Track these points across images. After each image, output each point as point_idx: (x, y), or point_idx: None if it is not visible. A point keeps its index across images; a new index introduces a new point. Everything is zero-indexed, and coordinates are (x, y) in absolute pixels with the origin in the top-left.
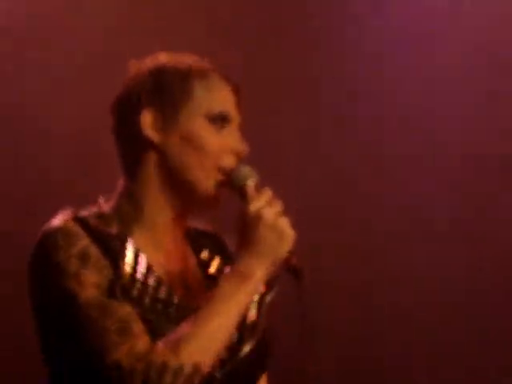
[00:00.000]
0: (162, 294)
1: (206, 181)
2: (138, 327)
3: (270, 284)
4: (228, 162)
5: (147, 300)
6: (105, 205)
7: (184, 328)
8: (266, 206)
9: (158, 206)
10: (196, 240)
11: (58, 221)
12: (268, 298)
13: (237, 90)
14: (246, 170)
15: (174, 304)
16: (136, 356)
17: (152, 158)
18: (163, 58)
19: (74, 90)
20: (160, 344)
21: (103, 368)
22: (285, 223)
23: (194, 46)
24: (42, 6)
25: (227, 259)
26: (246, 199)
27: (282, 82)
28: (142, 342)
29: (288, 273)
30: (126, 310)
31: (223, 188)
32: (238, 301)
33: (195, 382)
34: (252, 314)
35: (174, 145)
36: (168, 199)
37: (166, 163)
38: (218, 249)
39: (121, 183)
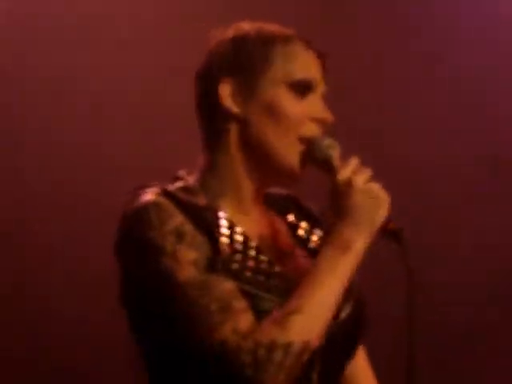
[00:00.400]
0: (263, 264)
1: (287, 152)
2: (239, 304)
3: None
4: (309, 130)
5: (248, 273)
6: (189, 178)
7: (288, 305)
8: (354, 173)
9: (241, 178)
10: (279, 203)
11: (148, 196)
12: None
13: (322, 57)
14: (328, 141)
15: (276, 274)
16: (241, 334)
17: (233, 130)
18: (246, 26)
19: (74, 90)
20: (265, 322)
21: (207, 349)
22: (377, 188)
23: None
24: (41, 6)
25: (314, 222)
26: (332, 170)
27: None
28: (244, 320)
29: (386, 237)
30: (226, 286)
31: (306, 161)
32: (340, 273)
33: (304, 359)
34: None
35: (255, 114)
36: (250, 171)
37: (246, 134)
38: (304, 211)
39: (202, 156)
